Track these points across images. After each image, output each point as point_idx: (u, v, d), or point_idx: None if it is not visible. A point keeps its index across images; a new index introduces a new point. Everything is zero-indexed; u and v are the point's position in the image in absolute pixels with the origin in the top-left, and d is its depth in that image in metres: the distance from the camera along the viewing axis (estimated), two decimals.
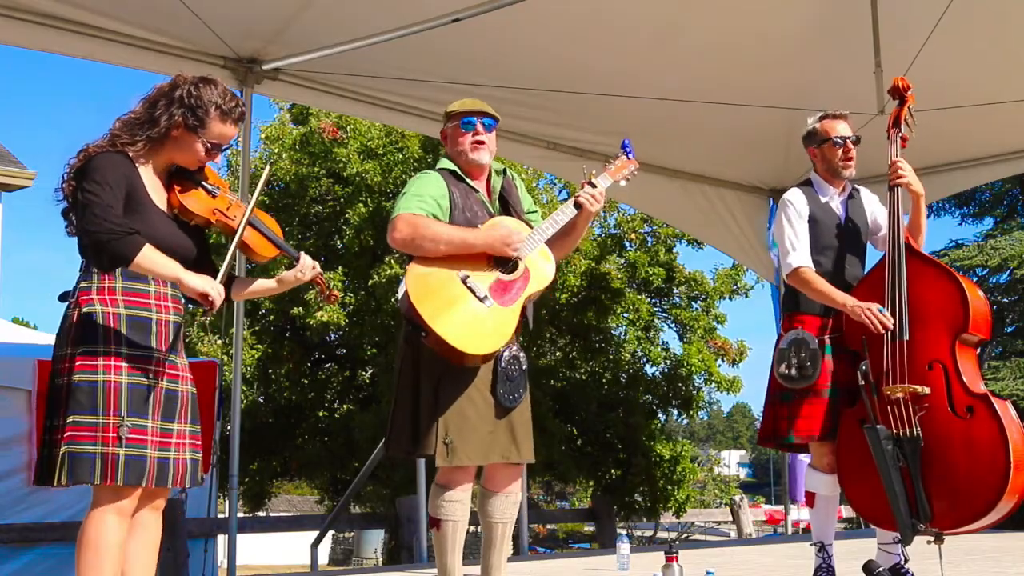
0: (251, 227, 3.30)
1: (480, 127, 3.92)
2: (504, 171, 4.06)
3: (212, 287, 3.08)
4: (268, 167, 3.43)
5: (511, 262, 3.80)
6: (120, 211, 3.03)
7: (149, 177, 3.18)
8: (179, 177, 3.24)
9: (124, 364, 3.03)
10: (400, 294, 3.77)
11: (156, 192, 3.19)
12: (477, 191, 3.93)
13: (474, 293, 3.70)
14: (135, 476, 3.01)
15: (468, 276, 3.72)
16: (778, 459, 11.15)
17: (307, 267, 3.36)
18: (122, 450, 2.98)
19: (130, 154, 3.14)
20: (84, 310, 3.05)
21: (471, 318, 3.67)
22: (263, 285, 3.50)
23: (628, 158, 4.10)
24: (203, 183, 3.27)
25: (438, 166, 3.96)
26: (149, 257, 3.00)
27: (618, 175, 4.07)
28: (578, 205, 3.89)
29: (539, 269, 3.85)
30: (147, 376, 3.07)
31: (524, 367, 3.86)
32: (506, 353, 3.79)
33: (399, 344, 3.95)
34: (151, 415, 3.06)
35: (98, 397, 2.99)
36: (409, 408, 3.81)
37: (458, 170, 3.92)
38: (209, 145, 3.20)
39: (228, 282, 3.36)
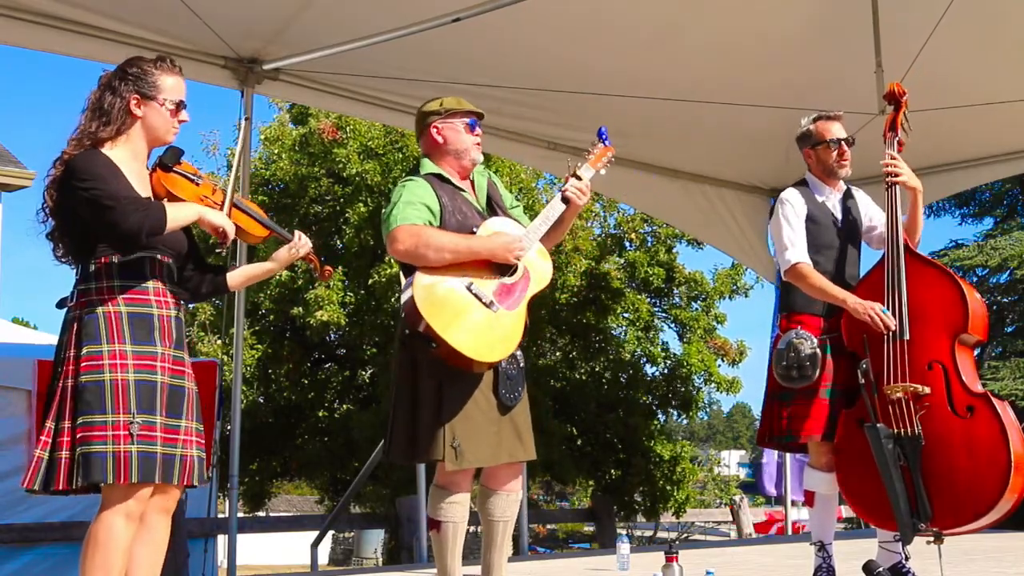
0: (238, 209, 3.34)
1: (478, 128, 3.98)
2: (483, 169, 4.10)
3: (226, 221, 3.19)
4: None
5: (512, 267, 3.81)
6: (129, 189, 3.04)
7: (131, 171, 3.16)
8: (160, 170, 3.25)
9: (129, 361, 3.03)
10: (404, 299, 3.76)
11: (141, 185, 3.18)
12: (463, 191, 3.94)
13: (480, 300, 3.70)
14: (147, 473, 3.01)
15: (472, 283, 3.71)
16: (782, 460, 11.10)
17: (301, 243, 3.45)
18: (134, 447, 2.98)
19: (104, 151, 3.13)
20: (85, 311, 3.06)
21: (481, 326, 3.67)
22: (259, 268, 3.55)
23: (605, 145, 4.13)
24: (183, 173, 3.29)
25: (422, 171, 3.93)
26: (172, 215, 3.06)
27: (598, 164, 4.09)
28: (566, 200, 3.91)
29: (538, 269, 3.87)
30: (152, 372, 3.06)
31: (521, 364, 3.88)
32: None
33: (395, 348, 3.94)
34: (159, 411, 3.06)
35: (106, 396, 2.98)
36: (408, 413, 3.80)
37: (443, 173, 3.92)
38: (172, 104, 3.21)
39: (224, 271, 3.43)
